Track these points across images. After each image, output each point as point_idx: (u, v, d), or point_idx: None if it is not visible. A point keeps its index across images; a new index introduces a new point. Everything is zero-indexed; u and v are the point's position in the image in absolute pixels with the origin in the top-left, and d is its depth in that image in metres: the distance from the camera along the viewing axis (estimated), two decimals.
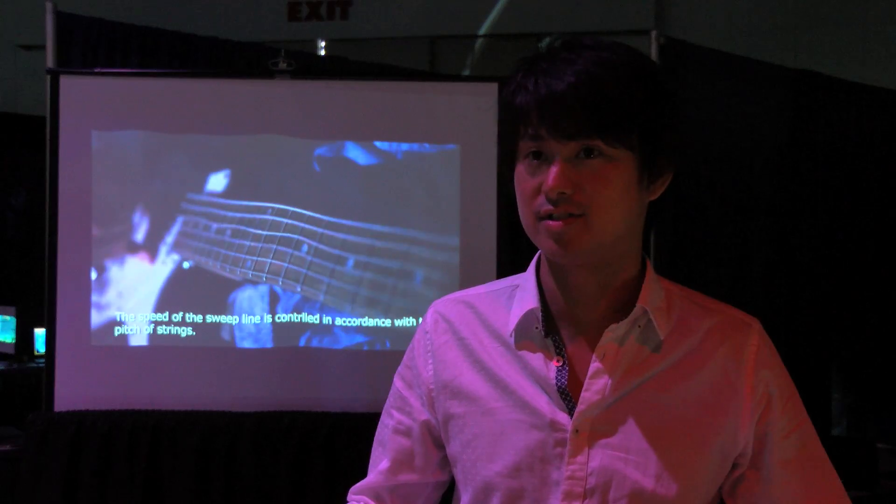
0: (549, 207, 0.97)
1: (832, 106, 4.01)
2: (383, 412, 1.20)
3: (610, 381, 1.02)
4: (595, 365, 1.03)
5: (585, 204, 0.96)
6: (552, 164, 0.96)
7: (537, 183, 0.98)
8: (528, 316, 1.06)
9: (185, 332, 3.35)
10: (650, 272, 1.06)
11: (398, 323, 3.39)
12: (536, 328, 1.06)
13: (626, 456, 1.00)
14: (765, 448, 1.04)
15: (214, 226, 3.37)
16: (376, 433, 1.21)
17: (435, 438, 1.14)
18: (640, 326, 1.04)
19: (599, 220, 0.96)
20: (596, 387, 1.02)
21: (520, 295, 1.09)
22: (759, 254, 3.85)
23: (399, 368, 1.19)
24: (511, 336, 1.07)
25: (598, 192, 0.96)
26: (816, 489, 1.06)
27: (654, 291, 1.05)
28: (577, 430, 1.01)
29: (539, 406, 1.03)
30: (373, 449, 1.21)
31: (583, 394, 1.02)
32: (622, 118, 0.95)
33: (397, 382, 1.18)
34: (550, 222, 0.97)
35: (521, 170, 1.01)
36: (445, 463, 1.15)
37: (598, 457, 1.01)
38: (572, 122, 0.94)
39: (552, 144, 0.96)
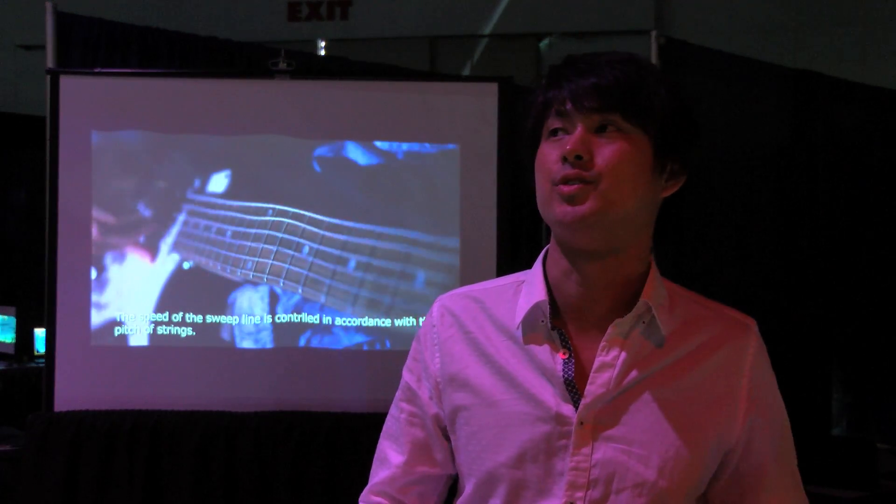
0: (566, 171, 1.02)
1: (832, 106, 4.00)
2: (392, 405, 1.22)
3: (615, 375, 1.05)
4: (600, 358, 1.06)
5: (598, 172, 1.01)
6: (573, 133, 1.03)
7: (558, 153, 1.03)
8: (534, 309, 1.09)
9: (185, 332, 3.35)
10: (654, 271, 1.10)
11: (398, 323, 3.39)
12: (542, 321, 1.09)
13: (629, 448, 1.04)
14: (747, 449, 1.09)
15: (215, 226, 3.37)
16: (385, 427, 1.22)
17: (443, 430, 1.17)
18: (644, 322, 1.07)
19: (610, 188, 1.01)
20: (601, 380, 1.05)
21: (526, 289, 1.12)
22: (759, 253, 3.85)
23: (407, 362, 1.21)
24: (518, 329, 1.10)
25: (612, 162, 1.01)
26: (781, 496, 1.10)
27: (658, 289, 1.09)
28: (581, 423, 1.05)
29: (545, 398, 1.06)
30: (380, 444, 1.22)
31: (588, 387, 1.05)
32: (642, 100, 1.03)
33: (406, 375, 1.20)
34: (564, 186, 1.02)
35: (543, 147, 1.07)
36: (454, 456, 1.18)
37: (602, 449, 1.04)
38: (596, 96, 1.02)
39: (575, 117, 1.03)
